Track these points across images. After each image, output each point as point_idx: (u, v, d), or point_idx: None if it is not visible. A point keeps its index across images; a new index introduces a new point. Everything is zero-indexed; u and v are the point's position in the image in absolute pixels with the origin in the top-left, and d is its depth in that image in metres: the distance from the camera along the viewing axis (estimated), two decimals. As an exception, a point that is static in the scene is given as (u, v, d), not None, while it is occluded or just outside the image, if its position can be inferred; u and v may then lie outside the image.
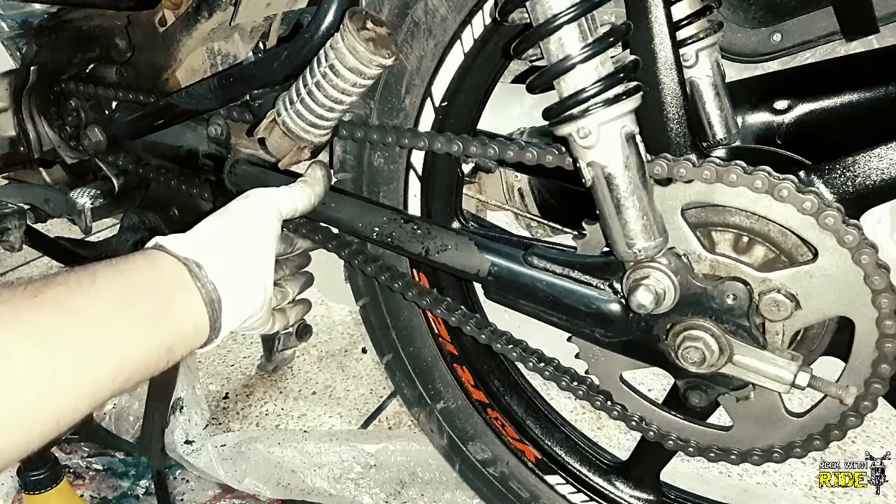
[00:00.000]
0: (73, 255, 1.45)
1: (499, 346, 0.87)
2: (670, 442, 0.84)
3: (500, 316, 0.91)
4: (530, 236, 1.28)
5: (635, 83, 0.66)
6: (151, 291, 0.62)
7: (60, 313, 0.55)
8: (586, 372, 0.86)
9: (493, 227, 1.05)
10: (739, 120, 0.85)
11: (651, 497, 0.98)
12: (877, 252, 0.64)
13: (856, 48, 0.89)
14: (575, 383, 0.86)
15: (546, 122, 0.69)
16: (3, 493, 1.32)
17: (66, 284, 0.57)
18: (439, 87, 0.84)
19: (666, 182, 0.71)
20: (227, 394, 1.71)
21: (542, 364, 0.87)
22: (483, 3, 0.77)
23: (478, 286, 0.88)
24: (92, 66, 1.19)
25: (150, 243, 0.68)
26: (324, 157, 0.95)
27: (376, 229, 0.86)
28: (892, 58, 0.82)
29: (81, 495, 1.35)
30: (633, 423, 0.85)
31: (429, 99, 0.85)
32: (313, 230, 0.92)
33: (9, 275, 2.35)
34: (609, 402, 0.85)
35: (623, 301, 0.75)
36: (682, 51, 0.75)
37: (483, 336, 0.87)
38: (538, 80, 0.67)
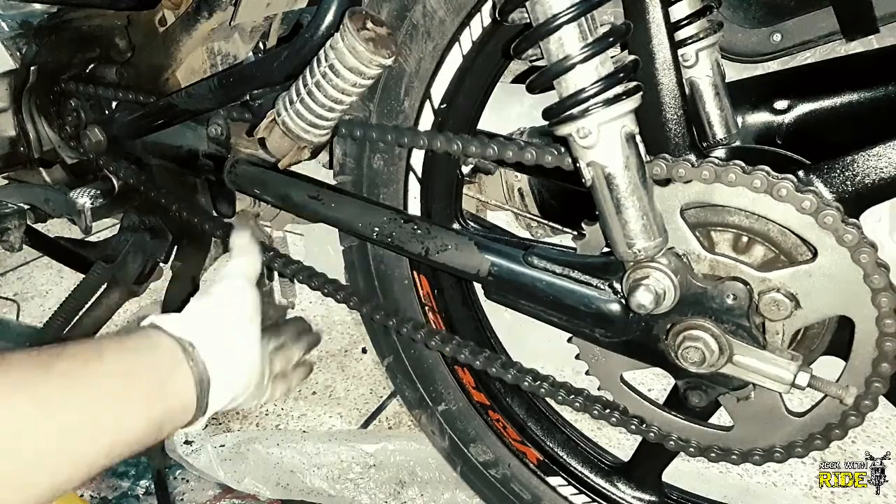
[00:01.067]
0: (73, 255, 1.45)
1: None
2: (671, 443, 0.84)
3: (501, 316, 0.91)
4: (530, 236, 1.28)
5: (635, 83, 0.66)
6: (151, 370, 0.64)
7: (69, 386, 0.57)
8: (587, 372, 0.86)
9: (493, 227, 1.05)
10: (739, 120, 0.85)
11: (653, 498, 0.98)
12: (876, 251, 0.64)
13: (856, 48, 0.89)
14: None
15: (546, 122, 0.69)
16: (4, 493, 1.32)
17: (76, 358, 0.59)
18: (438, 89, 0.84)
19: (665, 182, 0.71)
20: (227, 394, 1.71)
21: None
22: (481, 5, 0.77)
23: (478, 286, 0.88)
24: (92, 66, 1.19)
25: (145, 322, 0.70)
26: (323, 157, 0.95)
27: (376, 229, 0.86)
28: (892, 58, 0.82)
29: (81, 495, 1.35)
30: (633, 426, 0.85)
31: (428, 101, 0.84)
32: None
33: (9, 275, 2.35)
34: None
35: (623, 301, 0.75)
36: (682, 51, 0.75)
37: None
38: (538, 80, 0.67)
